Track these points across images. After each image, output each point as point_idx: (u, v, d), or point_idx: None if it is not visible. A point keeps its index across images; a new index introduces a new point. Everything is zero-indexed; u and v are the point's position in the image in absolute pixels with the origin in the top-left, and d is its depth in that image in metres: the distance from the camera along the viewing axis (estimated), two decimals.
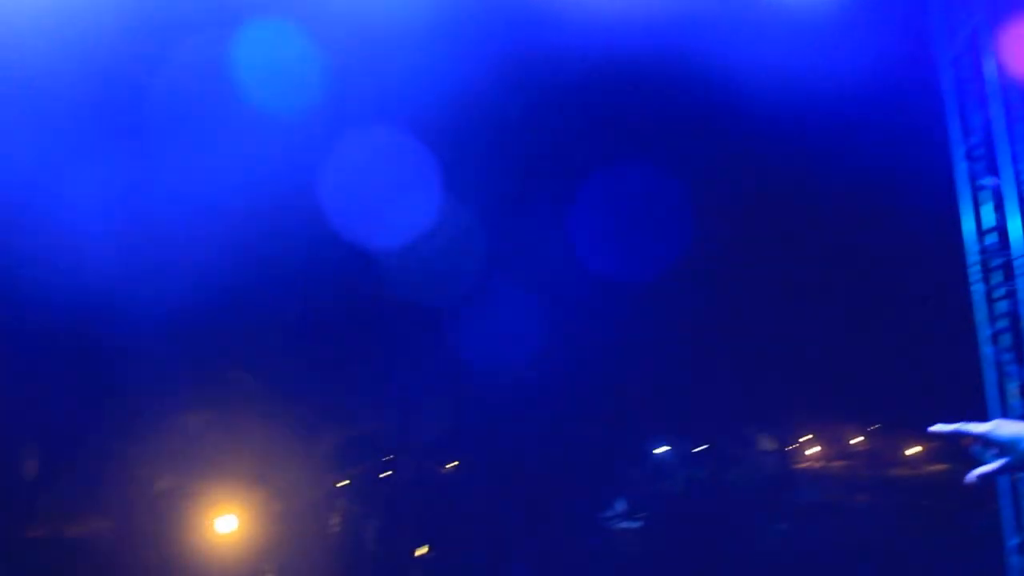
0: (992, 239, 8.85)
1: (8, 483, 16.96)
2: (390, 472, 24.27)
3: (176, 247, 14.28)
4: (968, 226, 9.02)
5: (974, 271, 8.94)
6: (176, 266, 14.71)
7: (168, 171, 12.99)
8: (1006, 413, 8.32)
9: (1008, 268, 8.68)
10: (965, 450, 2.85)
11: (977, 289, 8.93)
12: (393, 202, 15.19)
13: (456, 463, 26.51)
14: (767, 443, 28.27)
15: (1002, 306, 8.75)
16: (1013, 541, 8.57)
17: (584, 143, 16.00)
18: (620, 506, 17.66)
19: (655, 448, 25.36)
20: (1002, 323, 8.73)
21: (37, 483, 18.14)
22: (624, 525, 16.57)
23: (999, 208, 8.75)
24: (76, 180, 12.82)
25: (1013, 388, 8.55)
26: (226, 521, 16.00)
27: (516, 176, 16.04)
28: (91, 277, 13.62)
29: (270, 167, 13.22)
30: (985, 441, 2.78)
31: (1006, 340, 8.67)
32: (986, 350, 8.77)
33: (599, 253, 17.03)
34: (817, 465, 26.90)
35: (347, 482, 23.90)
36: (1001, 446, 2.75)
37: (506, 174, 15.79)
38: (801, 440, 31.60)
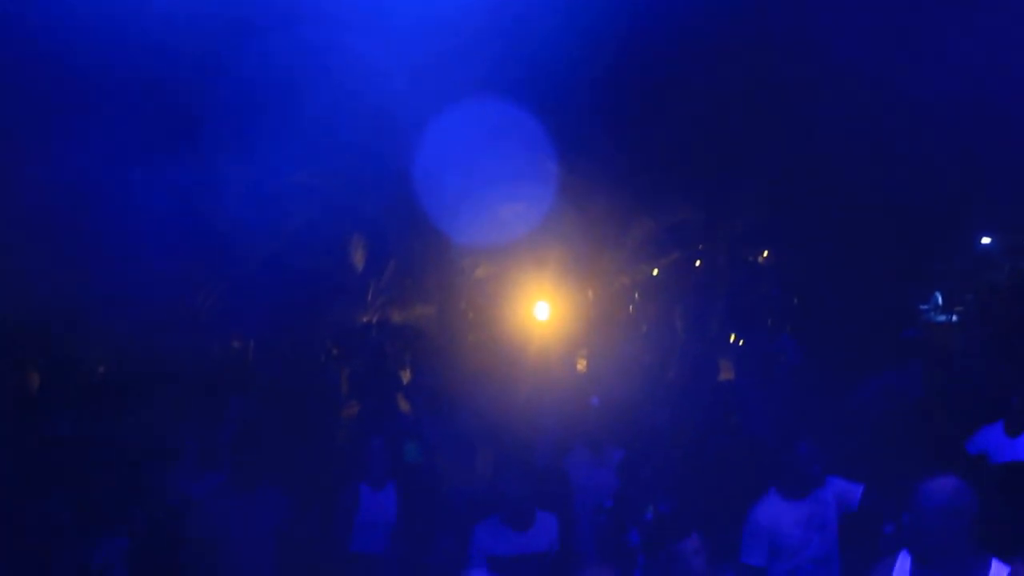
0: None
1: (340, 273, 18.12)
2: (701, 261, 24.30)
3: None
4: None
5: None
6: None
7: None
8: None
9: None
10: None
11: None
12: None
13: (766, 253, 26.16)
14: None
15: None
16: None
17: None
18: (936, 299, 16.90)
19: (977, 238, 23.91)
20: None
21: (366, 271, 19.33)
22: (940, 319, 15.89)
23: None
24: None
25: None
26: (542, 307, 16.52)
27: None
28: None
29: None
30: None
31: None
32: None
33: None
34: None
35: (658, 271, 24.16)
36: None
37: None
38: None
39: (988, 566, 4.23)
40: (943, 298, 17.10)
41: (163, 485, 7.90)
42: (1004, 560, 4.28)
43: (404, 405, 10.97)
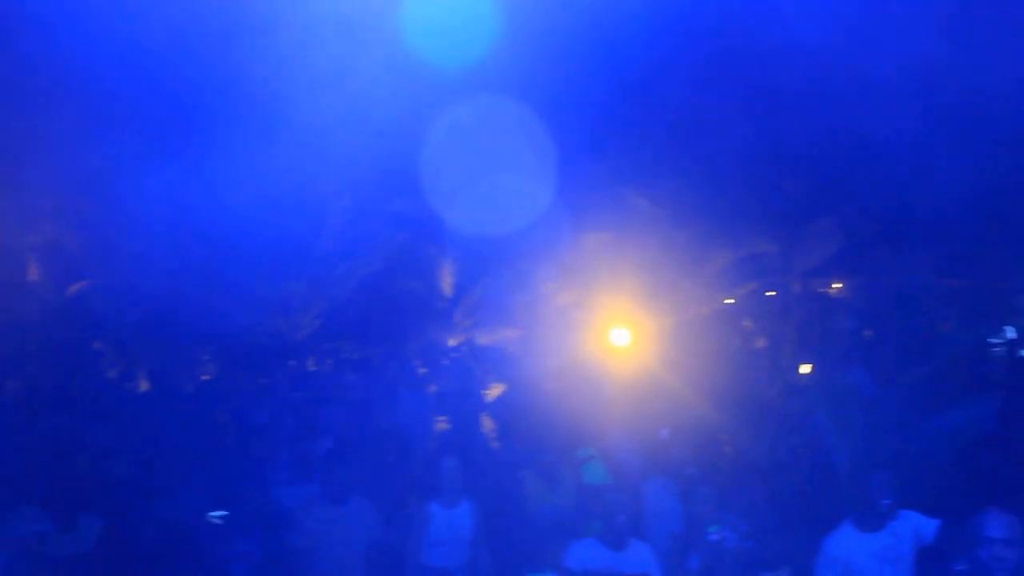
0: None
1: (432, 299, 18.27)
2: (775, 292, 23.92)
3: None
4: None
5: None
6: None
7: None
8: None
9: None
10: None
11: None
12: None
13: (840, 285, 25.64)
14: None
15: None
16: None
17: None
18: (1009, 333, 16.35)
19: None
20: None
21: (452, 301, 19.50)
22: (1014, 353, 15.35)
23: None
24: None
25: None
26: (621, 333, 16.37)
27: None
28: None
29: None
30: None
31: None
32: None
33: None
34: None
35: (734, 300, 23.83)
36: None
37: None
38: None
39: None
40: (1017, 333, 16.55)
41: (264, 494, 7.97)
42: None
43: (488, 424, 10.94)
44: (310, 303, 17.58)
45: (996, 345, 16.24)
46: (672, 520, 6.98)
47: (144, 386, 12.66)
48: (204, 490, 7.55)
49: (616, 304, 18.01)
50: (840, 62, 15.73)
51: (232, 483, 7.78)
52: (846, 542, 5.82)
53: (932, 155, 16.45)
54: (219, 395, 11.75)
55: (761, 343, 17.73)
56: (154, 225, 13.92)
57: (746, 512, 6.48)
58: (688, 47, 14.11)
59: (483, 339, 19.56)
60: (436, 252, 19.23)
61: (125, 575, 6.60)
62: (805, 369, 14.35)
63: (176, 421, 9.68)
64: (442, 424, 11.62)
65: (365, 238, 17.17)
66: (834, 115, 17.35)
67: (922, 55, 15.14)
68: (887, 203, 18.72)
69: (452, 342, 19.00)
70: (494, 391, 13.41)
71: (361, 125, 12.98)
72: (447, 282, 19.76)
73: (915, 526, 5.90)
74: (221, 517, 7.32)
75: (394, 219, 17.45)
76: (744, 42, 15.24)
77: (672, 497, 7.27)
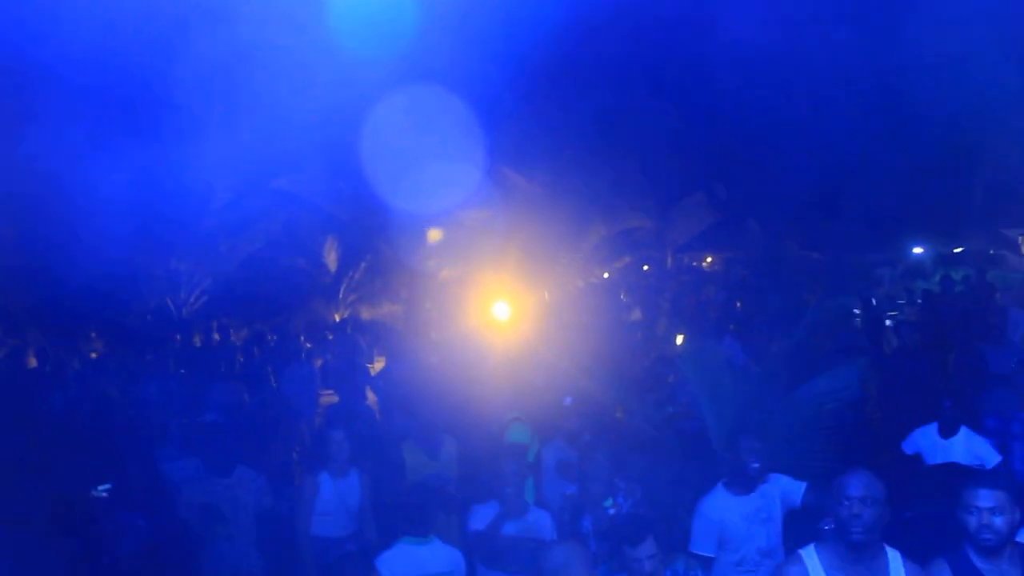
0: None
1: (316, 275, 18.11)
2: (648, 266, 24.38)
3: None
4: None
5: None
6: None
7: None
8: None
9: None
10: None
11: None
12: None
13: (710, 259, 26.33)
14: None
15: None
16: None
17: None
18: (872, 305, 16.92)
19: (910, 248, 24.18)
20: None
21: (337, 277, 19.34)
22: (876, 324, 15.89)
23: None
24: None
25: None
26: (502, 307, 16.46)
27: None
28: None
29: None
30: None
31: None
32: None
33: None
34: None
35: (610, 275, 24.22)
36: None
37: None
38: None
39: (892, 561, 4.25)
40: (879, 304, 17.14)
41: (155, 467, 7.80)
42: (920, 561, 4.29)
43: (372, 397, 10.91)
44: (196, 279, 17.35)
45: (857, 316, 16.77)
46: (566, 483, 7.05)
47: (32, 362, 12.32)
48: (92, 464, 7.37)
49: (497, 278, 18.11)
50: (711, 48, 16.08)
51: (119, 457, 7.59)
52: (720, 504, 5.93)
53: (797, 137, 16.93)
54: (106, 371, 11.52)
55: (637, 315, 18.01)
56: (40, 204, 13.51)
57: (632, 478, 6.56)
58: (566, 35, 14.24)
59: (367, 314, 19.53)
60: (321, 228, 19.13)
61: (15, 550, 6.41)
62: (679, 339, 14.63)
63: (64, 396, 9.44)
64: (328, 397, 11.57)
65: (249, 215, 16.99)
66: (706, 97, 17.74)
67: (789, 42, 15.57)
68: (756, 181, 19.22)
69: (337, 317, 18.94)
70: (378, 364, 13.39)
71: (244, 104, 12.79)
72: (332, 258, 19.64)
73: (783, 488, 6.06)
74: (108, 491, 7.15)
75: (278, 196, 17.31)
76: (620, 29, 15.47)
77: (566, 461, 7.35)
